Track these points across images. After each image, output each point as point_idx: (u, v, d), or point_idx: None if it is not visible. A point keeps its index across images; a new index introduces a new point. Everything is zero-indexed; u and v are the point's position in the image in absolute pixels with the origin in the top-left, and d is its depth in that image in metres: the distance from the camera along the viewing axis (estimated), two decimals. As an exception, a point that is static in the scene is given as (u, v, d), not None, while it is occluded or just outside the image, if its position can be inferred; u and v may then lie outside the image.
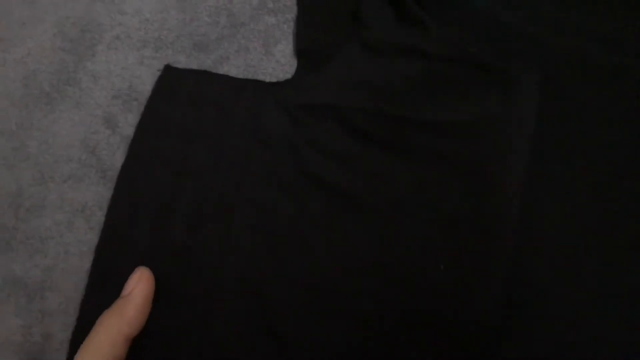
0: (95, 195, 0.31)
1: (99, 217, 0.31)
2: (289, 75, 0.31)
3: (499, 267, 0.26)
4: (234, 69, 0.32)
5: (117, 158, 0.31)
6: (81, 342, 0.24)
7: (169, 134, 0.29)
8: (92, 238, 0.31)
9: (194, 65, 0.32)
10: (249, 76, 0.32)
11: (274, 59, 0.32)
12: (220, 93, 0.30)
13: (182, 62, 0.32)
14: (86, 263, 0.31)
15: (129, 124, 0.31)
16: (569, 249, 0.27)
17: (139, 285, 0.26)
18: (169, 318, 0.26)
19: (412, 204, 0.27)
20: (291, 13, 0.32)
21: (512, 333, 0.26)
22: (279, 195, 0.28)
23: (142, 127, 0.29)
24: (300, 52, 0.31)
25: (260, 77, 0.32)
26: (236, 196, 0.28)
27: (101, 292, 0.27)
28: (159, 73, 0.31)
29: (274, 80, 0.32)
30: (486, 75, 0.28)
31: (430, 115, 0.28)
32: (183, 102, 0.29)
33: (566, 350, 0.26)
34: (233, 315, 0.26)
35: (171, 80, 0.30)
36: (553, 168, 0.28)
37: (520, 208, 0.27)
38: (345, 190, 0.28)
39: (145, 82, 0.32)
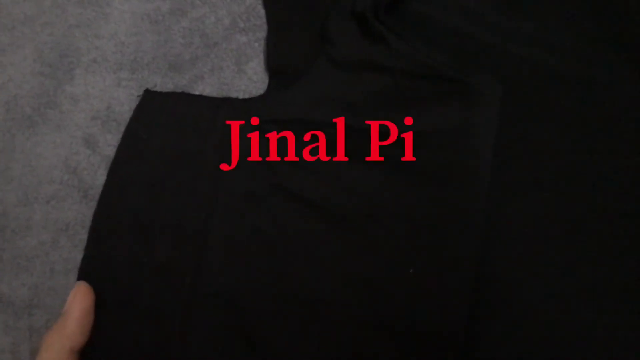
0: (78, 215, 0.32)
1: (82, 235, 0.32)
2: (261, 92, 0.32)
3: (466, 270, 0.27)
4: (208, 87, 0.33)
5: (98, 177, 0.32)
6: None
7: (147, 156, 0.30)
8: (76, 256, 0.32)
9: (169, 85, 0.33)
10: (223, 94, 0.33)
11: (246, 77, 0.33)
12: (197, 114, 0.31)
13: (158, 82, 0.33)
14: (71, 280, 0.32)
15: (108, 144, 0.33)
16: (534, 250, 0.28)
17: (76, 300, 0.27)
18: (148, 333, 0.27)
19: (382, 213, 0.28)
20: (262, 32, 0.33)
21: (480, 335, 0.27)
22: (253, 210, 0.29)
23: (122, 151, 0.31)
24: (272, 69, 0.32)
25: (234, 95, 0.33)
26: (211, 213, 0.29)
27: None
28: (137, 96, 0.32)
29: (247, 97, 0.33)
30: (448, 88, 0.29)
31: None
32: (161, 125, 0.31)
33: (534, 350, 0.27)
34: (210, 329, 0.27)
35: (150, 104, 0.31)
36: (516, 173, 0.29)
37: (485, 213, 0.28)
38: (317, 202, 0.29)
39: (123, 102, 0.33)
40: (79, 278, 0.30)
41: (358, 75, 0.30)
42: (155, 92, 0.32)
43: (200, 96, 0.32)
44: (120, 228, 0.29)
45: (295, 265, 0.28)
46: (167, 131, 0.31)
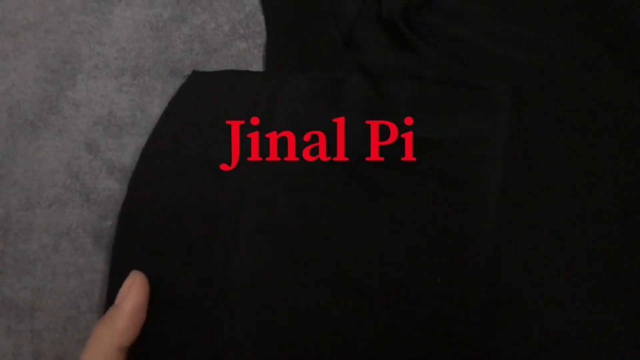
0: (79, 218, 0.33)
1: (84, 239, 0.32)
2: (261, 97, 0.33)
3: (479, 274, 0.28)
4: (208, 93, 0.33)
5: (99, 182, 0.33)
6: None
7: (190, 127, 0.29)
8: (77, 259, 0.32)
9: (170, 90, 0.33)
10: (223, 99, 0.33)
11: (246, 82, 0.33)
12: (244, 83, 0.30)
13: (159, 88, 0.33)
14: (72, 283, 0.32)
15: (109, 148, 0.33)
16: (542, 255, 0.29)
17: (131, 294, 0.25)
18: (175, 324, 0.27)
19: (401, 217, 0.28)
20: (261, 38, 0.34)
21: (492, 338, 0.28)
22: (284, 196, 0.29)
23: (163, 122, 0.29)
24: (271, 75, 0.33)
25: (234, 100, 0.33)
26: (246, 192, 0.28)
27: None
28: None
29: (246, 102, 0.33)
30: (470, 95, 0.29)
31: (418, 134, 0.29)
32: (207, 96, 0.30)
33: (542, 350, 0.28)
34: (240, 322, 0.27)
35: (197, 82, 0.30)
36: (522, 180, 0.29)
37: (496, 218, 0.28)
38: (345, 200, 0.29)
39: (125, 108, 0.33)
40: (113, 267, 0.29)
41: (385, 81, 0.30)
42: (203, 72, 0.31)
43: (246, 71, 0.31)
44: (155, 211, 0.28)
45: (326, 261, 0.28)
46: (210, 101, 0.29)
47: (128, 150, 0.33)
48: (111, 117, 0.33)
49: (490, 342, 0.27)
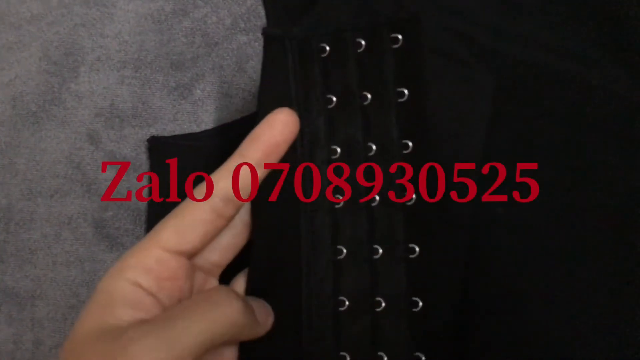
0: (80, 208, 0.33)
1: (84, 228, 0.33)
2: (261, 90, 0.33)
3: (457, 261, 0.28)
4: (209, 85, 0.34)
5: (100, 172, 0.33)
6: None
7: None
8: (78, 249, 0.33)
9: (172, 82, 0.34)
10: (224, 92, 0.34)
11: (246, 75, 0.34)
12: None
13: (160, 80, 0.34)
14: (73, 273, 0.33)
15: (111, 139, 0.33)
16: (523, 245, 0.29)
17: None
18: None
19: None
20: (262, 32, 0.34)
21: (471, 328, 0.28)
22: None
23: None
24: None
25: (234, 92, 0.34)
26: None
27: None
28: (137, 92, 0.33)
29: (246, 95, 0.34)
30: (456, 71, 0.29)
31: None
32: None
33: (526, 346, 0.28)
34: None
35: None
36: (507, 172, 0.30)
37: (474, 205, 0.28)
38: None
39: (126, 100, 0.34)
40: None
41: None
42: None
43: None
44: None
45: None
46: None
47: (129, 141, 0.33)
48: (113, 108, 0.34)
49: (477, 336, 0.28)
